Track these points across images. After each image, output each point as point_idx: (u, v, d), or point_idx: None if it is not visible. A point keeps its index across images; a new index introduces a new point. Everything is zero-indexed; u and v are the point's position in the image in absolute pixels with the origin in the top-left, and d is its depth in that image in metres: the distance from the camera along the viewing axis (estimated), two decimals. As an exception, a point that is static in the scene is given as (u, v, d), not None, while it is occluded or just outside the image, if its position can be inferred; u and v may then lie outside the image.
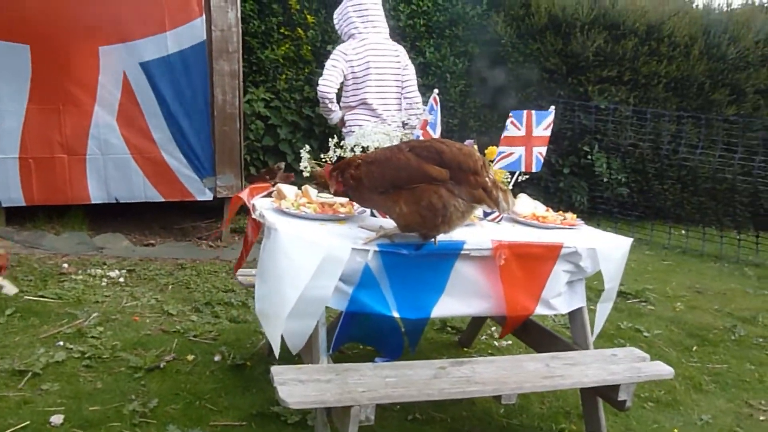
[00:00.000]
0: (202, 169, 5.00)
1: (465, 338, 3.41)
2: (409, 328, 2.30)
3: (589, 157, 7.38)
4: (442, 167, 1.95)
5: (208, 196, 5.08)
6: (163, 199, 4.97)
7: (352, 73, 3.84)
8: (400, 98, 4.00)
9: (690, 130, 7.37)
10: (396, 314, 2.16)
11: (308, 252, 1.96)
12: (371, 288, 2.08)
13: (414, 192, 1.97)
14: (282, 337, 2.03)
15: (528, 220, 2.61)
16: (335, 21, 3.95)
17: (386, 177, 2.02)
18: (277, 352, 2.05)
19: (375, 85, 3.88)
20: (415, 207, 1.97)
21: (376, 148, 2.29)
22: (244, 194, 2.47)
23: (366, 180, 2.05)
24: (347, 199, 2.47)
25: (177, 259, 4.58)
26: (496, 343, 3.46)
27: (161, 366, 2.81)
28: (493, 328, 3.62)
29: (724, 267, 5.77)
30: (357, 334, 2.29)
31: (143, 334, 3.16)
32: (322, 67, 6.81)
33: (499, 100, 7.30)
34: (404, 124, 3.76)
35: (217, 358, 2.95)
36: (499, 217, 2.59)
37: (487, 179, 1.97)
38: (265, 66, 6.45)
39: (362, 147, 2.28)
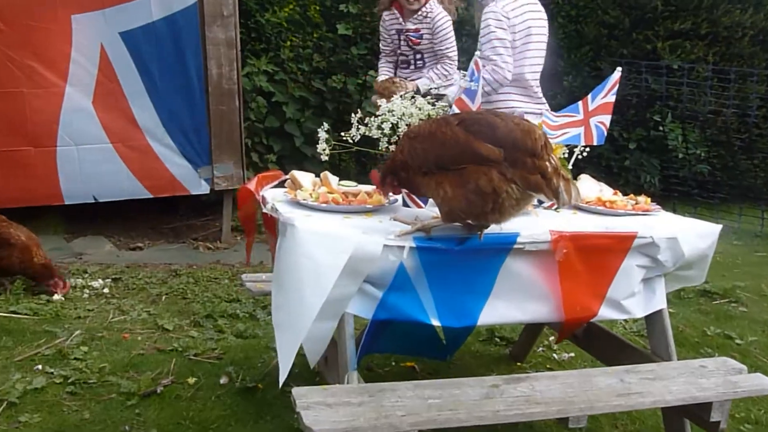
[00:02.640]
0: (196, 158, 5.05)
1: (518, 351, 3.40)
2: (450, 338, 2.31)
3: (661, 128, 7.29)
4: (495, 145, 1.95)
5: (205, 189, 5.13)
6: (151, 196, 5.02)
7: (512, 41, 3.53)
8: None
9: (784, 92, 7.24)
10: (436, 322, 2.17)
11: (332, 250, 1.97)
12: (405, 291, 2.09)
13: (461, 173, 1.98)
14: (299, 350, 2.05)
15: (593, 206, 2.60)
16: None
17: (429, 155, 2.03)
18: (284, 375, 2.06)
19: (534, 56, 3.63)
20: (460, 190, 1.98)
21: (408, 125, 2.29)
22: (251, 185, 2.49)
23: (409, 158, 2.07)
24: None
25: (170, 265, 4.63)
26: (555, 355, 3.45)
27: (158, 391, 2.84)
28: (551, 338, 3.60)
29: (832, 258, 5.68)
30: (387, 344, 2.30)
31: (135, 354, 3.20)
32: (334, 30, 6.91)
33: (547, 64, 7.23)
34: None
35: (223, 380, 2.98)
36: (557, 204, 2.58)
37: (547, 163, 1.96)
38: (266, 32, 6.48)
39: (391, 123, 2.28)
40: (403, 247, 2.06)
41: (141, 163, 4.93)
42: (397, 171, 2.16)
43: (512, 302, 2.23)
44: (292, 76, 6.57)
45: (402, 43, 4.36)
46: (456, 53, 4.42)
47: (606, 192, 2.74)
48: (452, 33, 4.40)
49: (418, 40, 4.29)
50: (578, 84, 7.15)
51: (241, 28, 5.38)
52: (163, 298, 4.02)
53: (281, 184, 2.59)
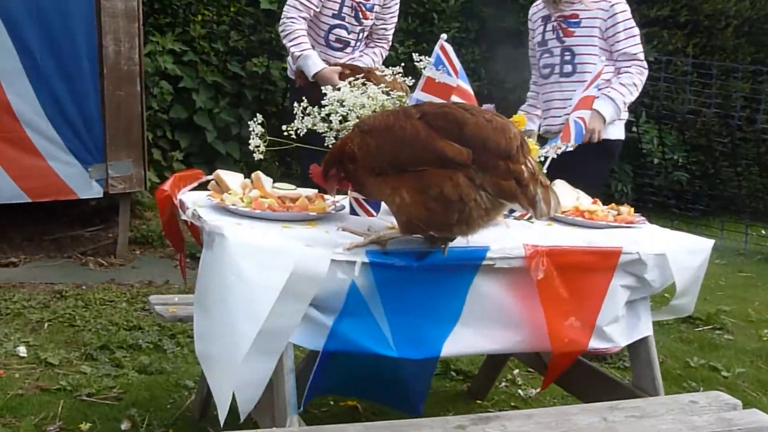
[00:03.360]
0: (86, 154, 4.93)
1: (477, 386, 3.46)
2: (411, 374, 2.29)
3: (634, 129, 7.55)
4: (462, 144, 1.97)
5: (97, 192, 5.01)
6: (29, 200, 4.87)
7: None
8: None
9: (771, 91, 7.59)
10: (392, 353, 2.17)
11: (269, 267, 1.95)
12: (361, 316, 2.08)
13: (421, 177, 1.99)
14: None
15: (570, 217, 2.67)
16: None
17: (384, 153, 2.03)
18: (224, 414, 2.04)
19: None
20: (421, 197, 1.99)
21: (358, 117, 2.30)
22: (168, 185, 2.45)
23: (360, 155, 2.07)
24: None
25: (53, 285, 4.53)
26: (520, 391, 3.53)
27: (43, 440, 2.78)
28: (516, 371, 3.68)
29: (824, 279, 5.98)
30: (338, 383, 2.28)
31: (13, 395, 3.11)
32: (255, 4, 6.87)
33: (509, 50, 7.39)
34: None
35: (124, 425, 2.93)
36: (530, 214, 2.64)
37: (523, 167, 1.99)
38: (172, 3, 6.41)
39: (342, 115, 2.29)
40: (353, 263, 2.06)
41: (17, 161, 4.77)
42: (343, 162, 2.15)
43: (480, 329, 2.25)
44: (203, 57, 6.52)
45: (346, 13, 4.16)
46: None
47: (584, 200, 2.82)
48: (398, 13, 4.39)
49: (369, 13, 4.17)
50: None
51: (143, -3, 5.31)
52: (46, 325, 3.91)
53: (205, 185, 2.56)
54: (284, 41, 4.17)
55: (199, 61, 6.44)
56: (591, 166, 3.49)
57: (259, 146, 2.35)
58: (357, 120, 2.29)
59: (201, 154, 6.58)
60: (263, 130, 2.33)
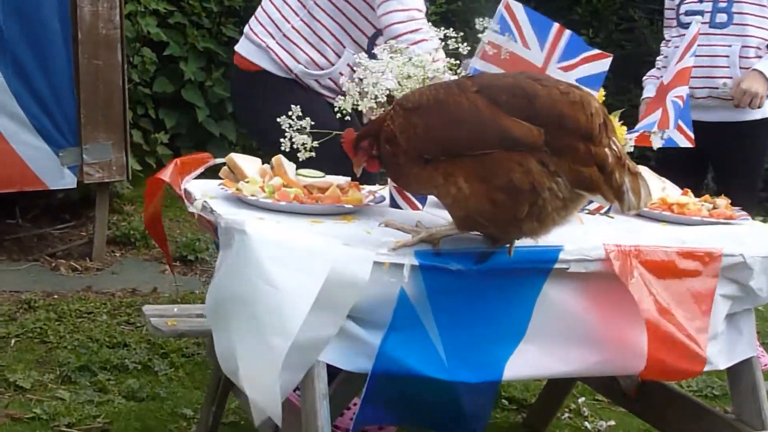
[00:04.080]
0: (57, 136, 4.94)
1: (535, 418, 3.46)
2: (468, 400, 2.27)
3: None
4: (532, 122, 1.95)
5: (70, 182, 5.03)
6: (-10, 192, 4.92)
7: None
8: None
9: None
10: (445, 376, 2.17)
11: (301, 270, 1.94)
12: (412, 331, 2.08)
13: (483, 162, 1.97)
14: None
15: (656, 211, 2.65)
16: None
17: (435, 134, 2.02)
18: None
19: None
20: (483, 186, 1.97)
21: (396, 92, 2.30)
22: (167, 173, 2.44)
23: (402, 139, 2.05)
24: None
25: (19, 293, 4.56)
26: (587, 424, 3.52)
27: (16, 479, 2.81)
28: (581, 399, 3.67)
29: None
30: (388, 411, 2.27)
31: (-23, 425, 3.14)
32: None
33: (559, 7, 7.37)
34: None
35: (113, 461, 2.96)
36: (608, 207, 2.62)
37: (607, 150, 1.97)
38: (157, -46, 6.42)
39: (387, 90, 2.28)
40: (401, 266, 2.05)
41: (-25, 145, 4.81)
42: (379, 138, 2.13)
43: (552, 347, 2.24)
44: (193, 19, 6.52)
45: None
46: None
47: (671, 191, 2.80)
48: None
49: None
50: (602, 39, 7.30)
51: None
52: (13, 342, 3.93)
53: (212, 173, 2.55)
54: (413, 35, 3.05)
55: (188, 23, 6.44)
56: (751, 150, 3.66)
57: (305, 144, 2.32)
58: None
59: (190, 136, 6.59)
60: (303, 125, 2.30)
